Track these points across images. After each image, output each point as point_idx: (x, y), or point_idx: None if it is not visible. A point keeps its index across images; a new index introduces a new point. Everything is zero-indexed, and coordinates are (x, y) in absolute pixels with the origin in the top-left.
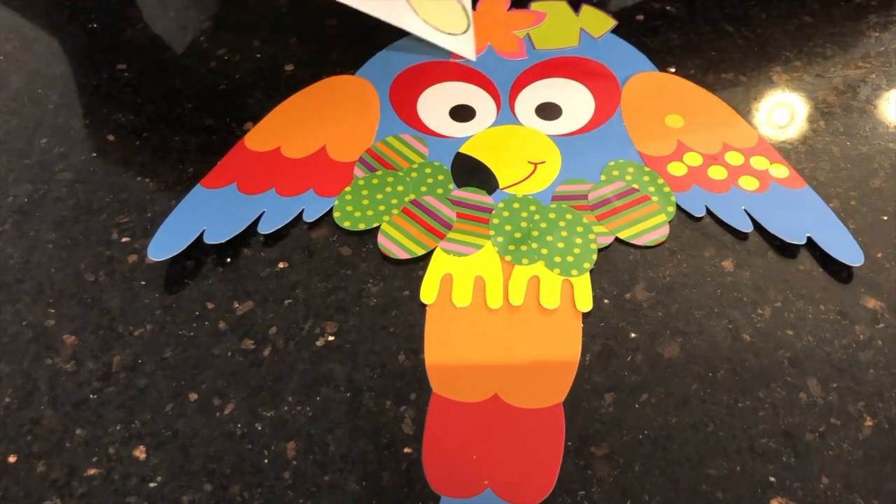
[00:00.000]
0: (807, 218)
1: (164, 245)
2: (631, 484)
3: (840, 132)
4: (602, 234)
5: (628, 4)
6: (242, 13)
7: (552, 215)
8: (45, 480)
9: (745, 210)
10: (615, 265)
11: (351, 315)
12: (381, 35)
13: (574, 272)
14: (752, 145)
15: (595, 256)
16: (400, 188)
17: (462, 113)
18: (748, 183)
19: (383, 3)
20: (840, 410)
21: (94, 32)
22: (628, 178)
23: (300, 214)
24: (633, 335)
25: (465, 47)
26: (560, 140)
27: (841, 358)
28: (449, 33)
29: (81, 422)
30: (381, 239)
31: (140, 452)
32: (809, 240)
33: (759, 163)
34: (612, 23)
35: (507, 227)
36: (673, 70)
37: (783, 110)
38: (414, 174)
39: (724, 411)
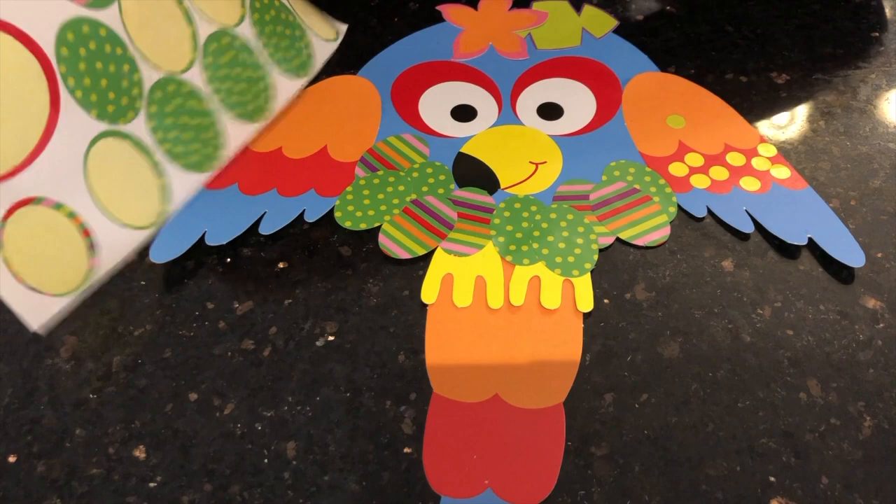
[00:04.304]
0: (808, 219)
1: (167, 247)
2: (631, 484)
3: (840, 132)
4: (603, 235)
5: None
6: None
7: (553, 215)
8: (45, 480)
9: (746, 211)
10: (615, 265)
11: (351, 315)
12: (383, 35)
13: (575, 272)
14: (753, 146)
15: (596, 257)
16: (401, 188)
17: (463, 113)
18: (749, 183)
19: None
20: (840, 410)
21: None
22: (629, 178)
23: (301, 214)
24: (632, 335)
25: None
26: (561, 140)
27: (841, 358)
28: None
29: (81, 422)
30: (382, 239)
31: (140, 452)
32: (810, 240)
33: (760, 163)
34: (614, 22)
35: (509, 228)
36: (672, 69)
37: (783, 110)
38: (415, 174)
39: (724, 411)
